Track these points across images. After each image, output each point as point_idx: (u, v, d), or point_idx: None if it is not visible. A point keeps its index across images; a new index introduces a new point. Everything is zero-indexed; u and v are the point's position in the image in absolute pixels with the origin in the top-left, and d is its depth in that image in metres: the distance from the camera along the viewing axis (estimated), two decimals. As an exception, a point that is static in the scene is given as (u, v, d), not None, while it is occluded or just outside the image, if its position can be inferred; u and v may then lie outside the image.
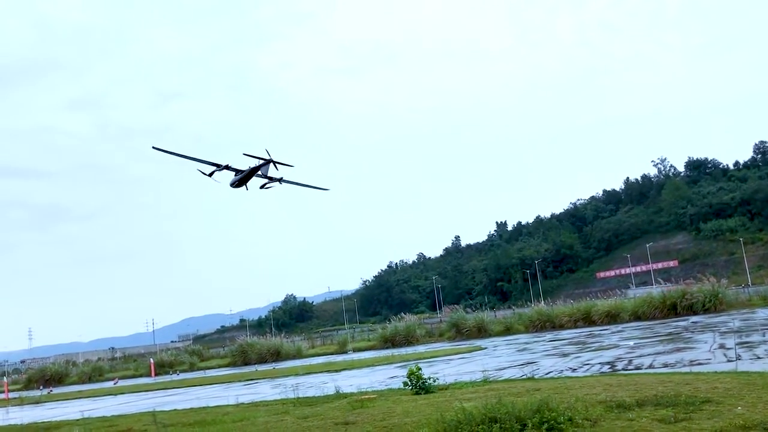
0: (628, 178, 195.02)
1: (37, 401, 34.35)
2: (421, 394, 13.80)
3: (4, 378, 62.47)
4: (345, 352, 51.03)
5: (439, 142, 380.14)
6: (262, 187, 20.68)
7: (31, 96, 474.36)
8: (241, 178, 20.19)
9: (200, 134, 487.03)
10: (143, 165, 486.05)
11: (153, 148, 19.88)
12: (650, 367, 15.74)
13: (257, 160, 19.81)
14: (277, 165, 19.89)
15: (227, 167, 20.26)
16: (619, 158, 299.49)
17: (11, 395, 46.26)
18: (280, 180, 20.62)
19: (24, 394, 44.33)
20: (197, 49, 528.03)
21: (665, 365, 15.64)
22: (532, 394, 10.59)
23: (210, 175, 20.28)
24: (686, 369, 14.08)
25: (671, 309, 42.30)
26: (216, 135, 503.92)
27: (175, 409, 18.34)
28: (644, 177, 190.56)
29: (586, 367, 17.63)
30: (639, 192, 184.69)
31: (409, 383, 14.47)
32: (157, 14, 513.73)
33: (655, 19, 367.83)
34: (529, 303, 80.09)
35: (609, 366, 17.10)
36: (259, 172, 20.10)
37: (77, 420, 18.32)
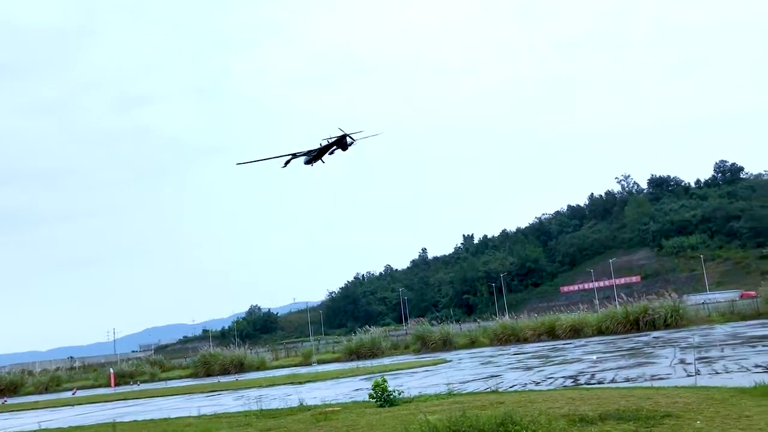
0: (592, 193, 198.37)
1: (-10, 411, 33.35)
2: (385, 406, 13.74)
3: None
4: (309, 364, 50.70)
5: (407, 153, 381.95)
6: (330, 153, 21.98)
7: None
8: (316, 156, 21.29)
9: (170, 138, 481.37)
10: (108, 171, 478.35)
11: (237, 164, 21.50)
12: (612, 381, 15.92)
13: (332, 139, 20.87)
14: (351, 138, 20.95)
15: (307, 153, 21.39)
16: (584, 174, 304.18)
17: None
18: (346, 147, 21.48)
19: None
20: (168, 54, 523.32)
21: (627, 379, 15.83)
22: (496, 407, 10.61)
23: (286, 164, 21.51)
24: (647, 383, 14.26)
25: (634, 324, 42.98)
26: (186, 140, 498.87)
27: (135, 420, 17.99)
28: (608, 193, 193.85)
29: (550, 380, 17.77)
30: (603, 208, 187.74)
31: (374, 396, 14.40)
32: (130, 18, 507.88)
33: (621, 37, 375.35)
34: (494, 316, 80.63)
35: (572, 380, 17.26)
36: (334, 147, 21.15)
37: (34, 431, 17.85)
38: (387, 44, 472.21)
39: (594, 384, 15.61)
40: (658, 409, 9.55)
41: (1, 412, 32.68)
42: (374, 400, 14.40)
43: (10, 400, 44.69)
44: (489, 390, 16.20)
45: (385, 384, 14.51)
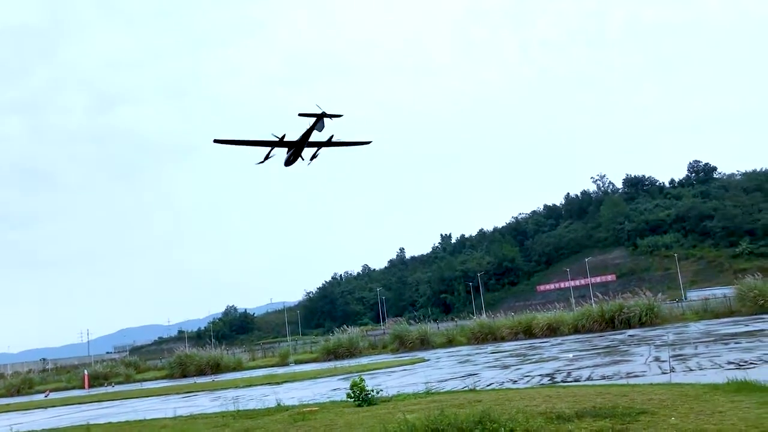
0: (568, 193, 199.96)
1: (-41, 415, 32.72)
2: (363, 406, 13.72)
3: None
4: (287, 365, 50.47)
5: (384, 154, 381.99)
6: (312, 157, 21.75)
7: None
8: (296, 151, 21.11)
9: (143, 138, 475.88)
10: (82, 170, 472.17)
11: (214, 141, 20.71)
12: (589, 379, 16.06)
13: (310, 117, 20.30)
14: (331, 117, 20.46)
15: (282, 140, 20.94)
16: (560, 174, 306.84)
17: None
18: (329, 142, 21.43)
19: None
20: (140, 54, 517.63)
21: (603, 377, 15.98)
22: (474, 406, 10.64)
23: (264, 160, 21.14)
24: (623, 381, 14.41)
25: (609, 322, 43.38)
26: (159, 140, 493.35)
27: (110, 422, 17.76)
28: (584, 193, 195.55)
29: (527, 378, 17.87)
30: (579, 207, 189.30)
31: (352, 395, 14.37)
32: (100, 17, 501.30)
33: (596, 39, 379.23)
34: (471, 315, 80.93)
35: (549, 378, 17.38)
36: (314, 133, 20.80)
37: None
38: (365, 44, 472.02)
39: (570, 382, 15.73)
40: (634, 406, 9.65)
41: (-28, 415, 32.11)
42: (352, 399, 14.38)
43: (-19, 403, 43.89)
44: (466, 389, 16.25)
45: (363, 383, 14.50)
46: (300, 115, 20.59)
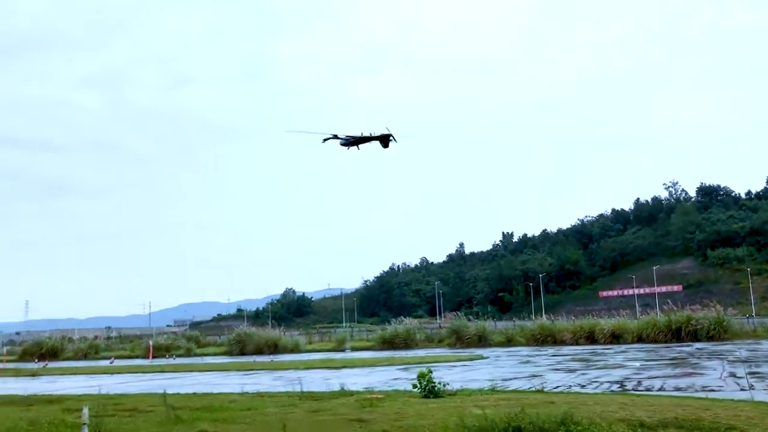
0: (638, 198, 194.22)
1: (33, 374, 34.26)
2: (430, 397, 13.62)
3: (3, 348, 62.55)
4: (343, 350, 50.88)
5: (450, 147, 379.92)
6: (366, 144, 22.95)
7: (43, 68, 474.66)
8: (355, 141, 22.50)
9: (216, 118, 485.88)
10: (152, 146, 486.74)
11: (286, 131, 22.79)
12: (661, 389, 15.53)
13: (376, 137, 22.20)
14: (395, 140, 22.11)
15: (344, 138, 22.60)
16: (630, 178, 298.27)
17: (7, 366, 46.34)
18: (387, 139, 22.51)
19: (20, 365, 44.32)
20: (214, 35, 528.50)
21: (677, 389, 15.43)
22: (547, 407, 10.39)
23: (325, 140, 22.59)
24: (700, 394, 13.86)
25: (675, 333, 42.05)
26: (226, 121, 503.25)
27: (177, 393, 18.18)
28: (654, 199, 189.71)
29: (595, 384, 17.43)
30: (648, 213, 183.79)
31: (418, 386, 14.29)
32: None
33: (674, 41, 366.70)
34: (529, 316, 79.77)
35: (618, 385, 16.90)
36: (375, 143, 22.51)
37: (79, 395, 18.20)
38: (437, 37, 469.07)
39: (642, 391, 15.25)
40: (719, 420, 9.24)
41: (45, 375, 33.60)
42: (418, 390, 14.30)
43: (51, 365, 45.83)
44: (533, 389, 15.95)
45: (430, 375, 14.40)
46: (370, 134, 22.45)
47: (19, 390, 20.98)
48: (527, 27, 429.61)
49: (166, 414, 11.42)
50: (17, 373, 35.14)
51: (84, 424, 8.83)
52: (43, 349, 58.16)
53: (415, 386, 14.50)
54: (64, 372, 36.30)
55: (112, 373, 33.43)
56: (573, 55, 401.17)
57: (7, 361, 52.47)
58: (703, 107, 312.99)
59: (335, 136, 22.76)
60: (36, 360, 51.33)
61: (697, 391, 14.79)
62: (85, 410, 11.41)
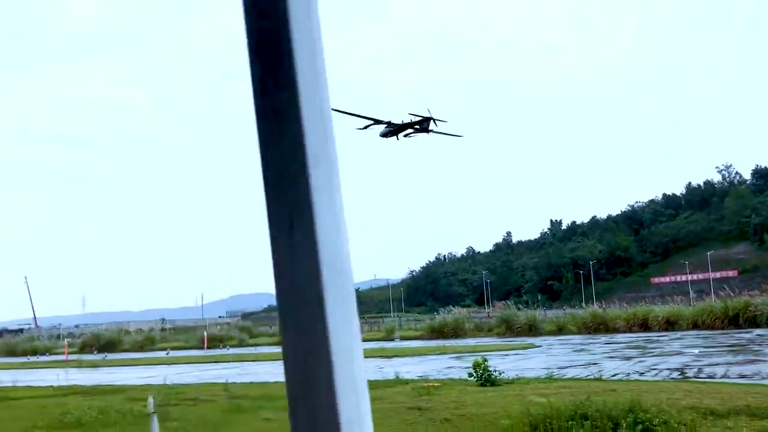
0: (690, 183, 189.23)
1: (94, 365, 35.34)
2: (486, 386, 13.57)
3: (65, 341, 64.64)
4: (392, 340, 51.00)
5: (496, 134, 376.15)
6: (406, 135, 23.50)
7: (95, 69, 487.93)
8: (394, 131, 22.92)
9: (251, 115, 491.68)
10: (199, 140, 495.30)
11: (332, 109, 22.88)
12: (725, 377, 15.15)
13: (417, 117, 22.14)
14: (436, 122, 22.42)
15: (389, 123, 22.82)
16: (681, 162, 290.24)
17: (70, 357, 47.90)
18: (427, 129, 23.30)
19: (82, 357, 45.71)
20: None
21: (742, 376, 15.03)
22: (609, 395, 10.22)
23: (365, 127, 22.90)
24: (767, 382, 13.47)
25: (732, 320, 40.97)
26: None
27: (235, 382, 18.49)
28: (707, 183, 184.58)
29: (654, 371, 17.11)
30: (701, 198, 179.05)
31: (474, 374, 14.24)
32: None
33: (724, 21, 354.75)
34: (579, 304, 78.63)
35: (679, 372, 16.55)
36: (416, 126, 22.91)
37: (141, 386, 18.69)
38: (478, 24, 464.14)
39: (704, 378, 14.90)
40: (793, 409, 8.94)
41: (105, 366, 34.65)
42: (474, 378, 14.26)
43: (110, 356, 47.17)
44: (592, 377, 15.72)
45: (486, 364, 14.34)
46: (410, 114, 22.46)
47: (84, 381, 21.67)
48: (569, 9, 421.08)
49: (228, 403, 11.62)
50: (80, 365, 36.27)
51: (153, 413, 9.04)
52: (101, 342, 59.95)
53: (470, 375, 14.46)
54: (123, 363, 37.34)
55: (169, 364, 34.24)
56: (620, 38, 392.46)
57: (69, 353, 54.24)
58: (758, 87, 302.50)
59: (376, 122, 22.91)
60: (95, 351, 52.91)
61: (764, 378, 14.37)
62: (151, 399, 11.71)
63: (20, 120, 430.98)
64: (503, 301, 73.81)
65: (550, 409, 7.78)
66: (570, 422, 7.47)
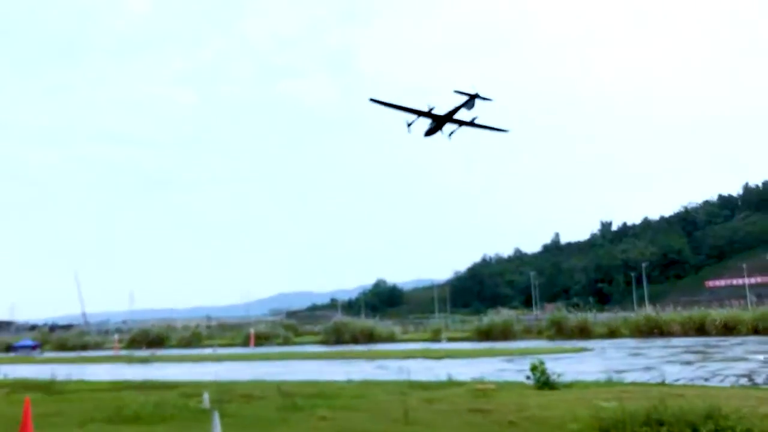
0: (747, 183, 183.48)
1: (144, 360, 35.90)
2: (544, 389, 13.17)
3: (116, 336, 66.14)
4: (439, 341, 50.59)
5: (544, 133, 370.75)
6: (450, 134, 22.59)
7: (144, 68, 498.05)
8: (438, 125, 22.13)
9: (310, 110, 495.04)
10: (246, 139, 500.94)
11: (370, 100, 22.62)
12: (799, 384, 14.41)
13: (463, 95, 21.29)
14: (483, 99, 21.32)
15: (430, 113, 22.05)
16: (738, 161, 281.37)
17: (120, 353, 48.91)
18: (471, 122, 22.15)
19: (131, 352, 46.60)
20: (304, 28, 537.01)
21: (818, 384, 14.27)
22: (677, 399, 9.72)
23: (409, 125, 22.44)
24: None
25: (796, 325, 39.56)
26: (318, 113, 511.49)
27: (285, 380, 18.43)
28: (765, 183, 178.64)
29: (719, 377, 16.40)
30: (758, 198, 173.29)
31: (532, 377, 13.85)
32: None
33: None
34: (631, 307, 76.77)
35: (747, 378, 15.83)
36: (461, 112, 21.79)
37: (193, 381, 18.77)
38: (531, 18, 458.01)
39: (776, 386, 14.19)
40: None
41: (155, 362, 35.09)
42: (531, 381, 13.88)
43: (158, 352, 47.94)
44: (655, 382, 15.13)
45: (543, 367, 13.94)
46: (455, 92, 21.52)
47: (136, 375, 21.92)
48: (622, 9, 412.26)
49: (282, 401, 11.49)
50: (130, 360, 36.90)
51: (213, 409, 8.94)
52: (150, 338, 61.19)
53: (528, 377, 14.08)
54: (171, 359, 37.82)
55: (217, 361, 34.51)
56: (674, 35, 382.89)
57: (119, 348, 55.41)
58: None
59: (420, 114, 22.55)
60: (144, 347, 53.96)
61: (841, 387, 13.62)
62: (206, 396, 11.69)
63: (72, 118, 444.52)
64: (552, 303, 72.51)
65: (622, 413, 7.38)
66: (644, 427, 7.08)
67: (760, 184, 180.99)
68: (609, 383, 14.32)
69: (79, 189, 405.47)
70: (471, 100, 21.91)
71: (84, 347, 58.39)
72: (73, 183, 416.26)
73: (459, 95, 21.93)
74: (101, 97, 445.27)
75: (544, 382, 13.48)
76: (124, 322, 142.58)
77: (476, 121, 22.92)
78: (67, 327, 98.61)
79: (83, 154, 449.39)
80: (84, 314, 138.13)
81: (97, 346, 59.37)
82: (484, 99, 21.46)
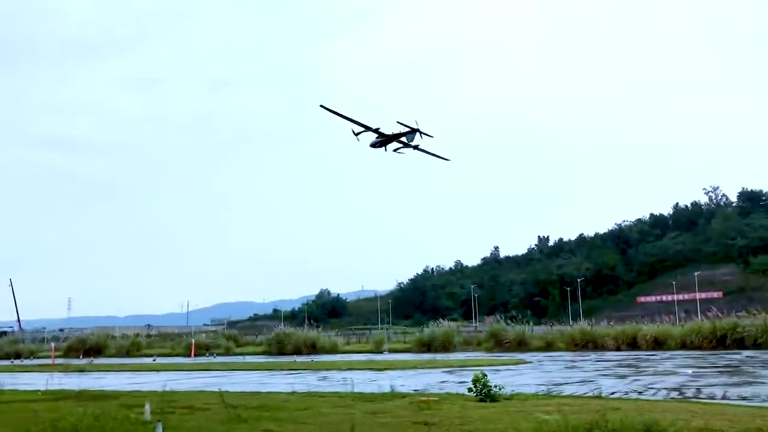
0: (677, 203, 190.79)
1: (81, 369, 34.81)
2: (486, 401, 13.41)
3: (51, 344, 63.76)
4: (381, 352, 50.73)
5: (485, 150, 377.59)
6: (395, 150, 23.82)
7: (87, 74, 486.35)
8: (383, 141, 23.26)
9: (249, 123, 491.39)
10: (189, 148, 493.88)
11: (320, 106, 22.88)
12: (724, 398, 15.06)
13: (405, 127, 22.22)
14: (422, 135, 22.34)
15: (377, 131, 22.89)
16: (669, 183, 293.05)
17: (56, 361, 47.20)
18: (415, 147, 23.72)
19: (68, 361, 45.07)
20: (251, 39, 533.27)
21: (742, 398, 14.94)
22: (614, 413, 10.07)
23: (357, 134, 22.84)
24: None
25: (720, 341, 41.28)
26: (262, 126, 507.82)
27: (227, 391, 18.19)
28: (694, 204, 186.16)
29: (652, 390, 17.01)
30: (688, 219, 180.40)
31: (474, 389, 14.09)
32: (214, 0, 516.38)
33: (716, 45, 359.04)
34: (565, 321, 78.47)
35: (677, 392, 16.45)
36: (403, 139, 23.42)
37: (133, 392, 18.35)
38: (464, 41, 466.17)
39: (704, 399, 14.81)
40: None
41: (93, 371, 34.06)
42: (473, 393, 14.10)
43: (96, 360, 46.54)
44: (591, 395, 15.58)
45: (486, 379, 14.20)
46: (398, 123, 22.50)
47: (72, 385, 21.25)
48: (554, 30, 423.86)
49: (226, 412, 11.37)
50: (66, 369, 35.72)
51: (158, 421, 8.79)
52: (87, 346, 59.18)
53: (470, 390, 14.32)
54: (110, 368, 36.82)
55: (157, 371, 33.76)
56: (609, 60, 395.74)
57: (55, 357, 53.50)
58: (745, 110, 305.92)
59: (368, 129, 23.12)
60: (81, 356, 52.21)
61: (764, 401, 14.31)
62: (147, 407, 11.46)
63: (10, 122, 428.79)
64: (492, 316, 73.51)
65: (565, 426, 7.63)
66: (586, 441, 7.32)
67: (689, 205, 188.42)
68: (548, 396, 14.70)
69: (17, 194, 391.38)
70: (412, 133, 23.02)
71: (18, 355, 56.04)
72: (11, 188, 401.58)
73: (404, 126, 23.00)
74: (41, 102, 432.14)
75: (485, 395, 13.71)
76: (61, 329, 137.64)
77: (420, 147, 23.93)
78: (1, 334, 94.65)
79: (22, 160, 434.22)
80: (19, 321, 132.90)
81: (32, 354, 57.09)
82: (424, 134, 22.64)
